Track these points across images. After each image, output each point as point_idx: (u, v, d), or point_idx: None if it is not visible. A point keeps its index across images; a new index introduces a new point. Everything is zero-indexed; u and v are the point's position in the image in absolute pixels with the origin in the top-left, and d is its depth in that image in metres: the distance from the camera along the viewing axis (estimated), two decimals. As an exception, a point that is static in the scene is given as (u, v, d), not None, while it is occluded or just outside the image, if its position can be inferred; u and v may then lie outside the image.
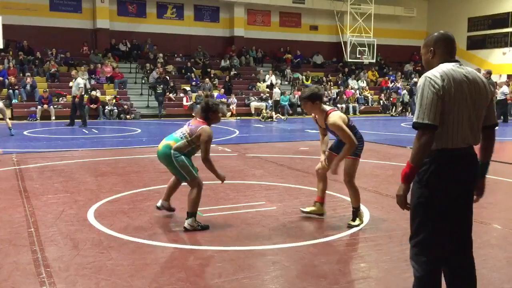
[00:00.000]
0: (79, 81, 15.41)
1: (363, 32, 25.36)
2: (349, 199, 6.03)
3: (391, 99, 23.81)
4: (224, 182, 5.00)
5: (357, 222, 4.95)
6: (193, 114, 19.69)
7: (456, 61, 2.75)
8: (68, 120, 15.70)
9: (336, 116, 4.72)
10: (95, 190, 6.50)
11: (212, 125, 4.88)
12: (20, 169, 7.91)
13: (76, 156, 9.29)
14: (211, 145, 4.94)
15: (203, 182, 4.83)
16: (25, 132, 13.19)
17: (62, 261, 3.91)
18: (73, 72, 16.90)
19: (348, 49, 25.18)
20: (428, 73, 2.66)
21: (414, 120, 2.63)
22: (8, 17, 19.32)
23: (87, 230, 4.74)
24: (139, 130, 14.80)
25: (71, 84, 19.85)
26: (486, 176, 2.93)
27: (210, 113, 4.83)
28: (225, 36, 25.71)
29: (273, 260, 4.06)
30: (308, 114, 5.11)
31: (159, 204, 5.20)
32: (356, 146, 4.74)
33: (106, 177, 7.37)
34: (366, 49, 25.43)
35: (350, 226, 4.89)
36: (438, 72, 2.63)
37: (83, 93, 15.65)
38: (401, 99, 23.58)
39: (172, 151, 4.70)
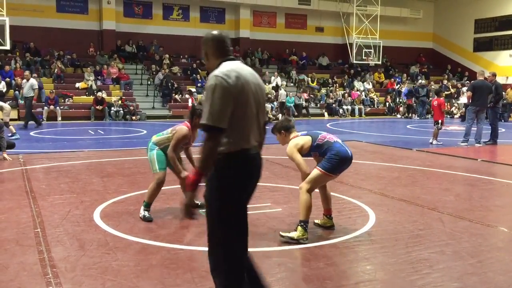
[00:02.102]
0: (33, 82, 14.90)
1: (369, 33, 25.31)
2: (355, 200, 6.05)
3: (401, 101, 23.56)
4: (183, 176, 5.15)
5: (291, 234, 4.44)
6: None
7: (236, 58, 2.72)
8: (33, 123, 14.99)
9: (291, 145, 4.58)
10: (101, 191, 6.51)
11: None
12: (27, 169, 7.95)
13: (82, 157, 9.33)
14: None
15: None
16: (31, 133, 13.25)
17: (68, 262, 3.92)
18: (26, 73, 15.97)
19: (354, 51, 25.13)
20: (217, 72, 2.55)
21: (203, 121, 2.48)
22: (15, 18, 19.42)
23: (93, 231, 4.75)
24: (145, 131, 14.83)
25: (78, 85, 20.15)
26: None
27: (195, 117, 5.04)
28: (230, 37, 25.58)
29: (278, 262, 4.06)
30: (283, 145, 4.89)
31: None
32: (308, 173, 4.54)
33: (112, 178, 7.39)
34: (372, 50, 25.37)
35: (281, 235, 4.48)
36: (227, 70, 2.54)
37: (39, 94, 15.88)
38: (405, 101, 23.51)
39: (150, 143, 5.26)
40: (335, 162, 4.53)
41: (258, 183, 2.77)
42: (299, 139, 4.64)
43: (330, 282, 3.63)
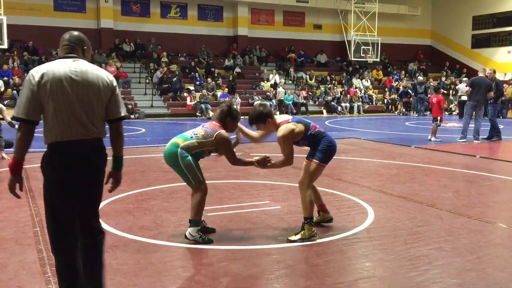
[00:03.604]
0: None
1: (367, 31, 25.31)
2: (353, 198, 6.06)
3: (403, 99, 23.51)
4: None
5: (298, 237, 4.37)
6: (197, 114, 19.86)
7: (73, 56, 2.88)
8: None
9: (285, 131, 4.36)
10: (100, 189, 6.50)
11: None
12: (25, 168, 7.93)
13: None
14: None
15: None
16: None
17: (68, 260, 3.92)
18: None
19: (352, 48, 25.14)
20: (32, 69, 2.81)
21: (14, 114, 2.78)
22: (12, 17, 19.37)
23: (92, 230, 4.74)
24: (144, 130, 14.82)
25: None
26: (122, 169, 3.04)
27: (228, 119, 4.49)
28: (228, 35, 25.73)
29: (277, 259, 4.06)
30: (268, 134, 4.69)
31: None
32: (291, 164, 4.48)
33: (111, 177, 7.37)
34: (370, 48, 25.39)
35: (288, 241, 4.36)
36: (40, 68, 2.78)
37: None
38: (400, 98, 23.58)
39: (179, 149, 4.34)
40: (329, 153, 4.49)
41: (89, 176, 2.87)
42: (293, 125, 4.41)
43: (329, 279, 3.64)
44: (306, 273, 3.74)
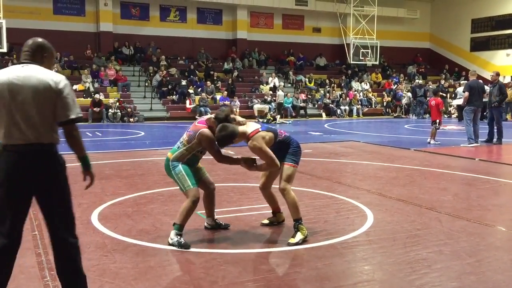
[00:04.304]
0: None
1: (366, 34, 25.35)
2: (353, 201, 6.06)
3: (395, 101, 23.87)
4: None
5: (298, 238, 4.41)
6: (196, 117, 19.84)
7: (26, 62, 2.91)
8: None
9: (256, 141, 4.35)
10: (99, 193, 6.50)
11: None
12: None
13: (79, 159, 9.31)
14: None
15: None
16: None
17: (66, 264, 3.91)
18: None
19: (351, 51, 25.17)
20: None
21: None
22: (12, 20, 19.39)
23: (91, 233, 4.74)
24: (143, 133, 14.82)
25: (75, 87, 20.13)
26: (91, 169, 3.12)
27: (216, 126, 4.39)
28: (228, 38, 25.76)
29: (276, 263, 4.06)
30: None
31: (206, 224, 4.93)
32: (277, 168, 4.51)
33: (110, 180, 7.38)
34: (369, 51, 25.42)
35: (290, 245, 4.35)
36: None
37: None
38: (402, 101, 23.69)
39: (170, 162, 4.47)
40: (299, 154, 4.67)
41: (40, 182, 2.88)
42: (264, 133, 4.44)
43: (329, 282, 3.63)
44: (306, 277, 3.73)
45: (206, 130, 4.41)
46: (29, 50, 2.97)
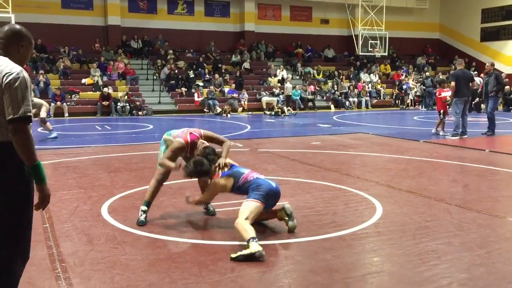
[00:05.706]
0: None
1: (375, 25, 25.14)
2: (361, 193, 6.05)
3: (401, 93, 23.73)
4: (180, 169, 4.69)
5: (243, 251, 3.83)
6: (204, 110, 19.91)
7: None
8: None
9: (220, 182, 4.54)
10: (109, 186, 6.55)
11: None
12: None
13: (89, 153, 9.37)
14: None
15: None
16: (39, 129, 13.32)
17: (77, 256, 3.95)
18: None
19: (360, 43, 24.97)
20: None
21: None
22: (20, 15, 19.44)
23: (101, 226, 4.78)
24: (151, 126, 14.87)
25: (84, 80, 20.23)
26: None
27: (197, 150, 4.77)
28: (235, 31, 25.69)
29: (285, 254, 4.07)
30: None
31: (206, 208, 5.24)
32: (208, 202, 4.89)
33: (119, 173, 7.42)
34: (378, 42, 25.20)
35: (232, 259, 3.83)
36: None
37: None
38: (410, 93, 23.54)
39: (162, 139, 5.09)
40: (262, 191, 4.35)
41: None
42: (224, 179, 4.54)
43: (338, 274, 3.64)
44: (315, 268, 3.74)
45: (181, 140, 4.75)
46: (4, 38, 2.62)
